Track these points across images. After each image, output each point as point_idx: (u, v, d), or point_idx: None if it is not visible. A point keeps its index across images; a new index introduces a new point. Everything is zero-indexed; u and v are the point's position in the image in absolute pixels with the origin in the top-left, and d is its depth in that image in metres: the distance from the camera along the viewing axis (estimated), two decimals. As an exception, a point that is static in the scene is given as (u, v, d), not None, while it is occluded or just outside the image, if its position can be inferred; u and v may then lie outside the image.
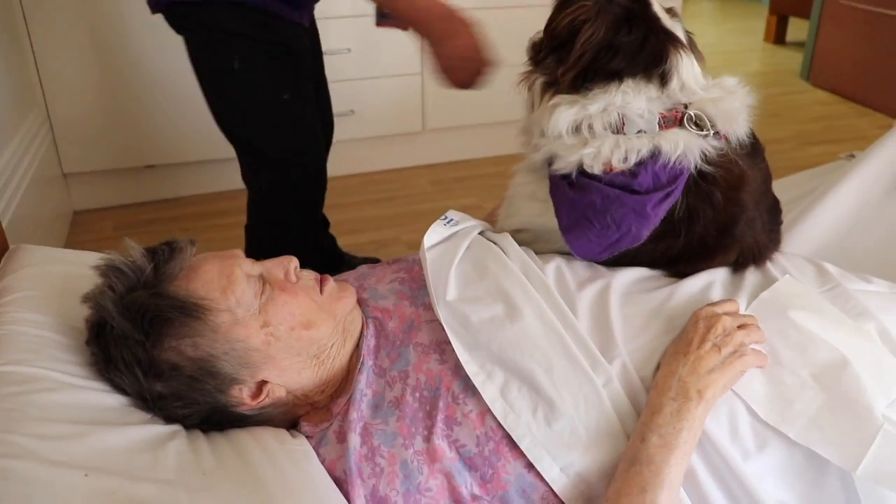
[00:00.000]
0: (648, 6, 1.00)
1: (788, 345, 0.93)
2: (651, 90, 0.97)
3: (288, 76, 1.65)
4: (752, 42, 5.50)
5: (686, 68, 0.98)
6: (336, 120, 3.02)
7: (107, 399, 0.89)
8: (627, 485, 0.83)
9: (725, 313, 0.94)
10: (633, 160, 0.96)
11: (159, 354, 0.88)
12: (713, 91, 1.00)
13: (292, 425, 0.98)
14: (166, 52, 2.61)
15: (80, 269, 1.08)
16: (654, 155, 0.96)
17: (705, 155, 0.97)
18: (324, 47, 2.85)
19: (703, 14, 6.88)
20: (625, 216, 0.98)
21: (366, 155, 3.15)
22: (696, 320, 0.93)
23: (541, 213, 1.10)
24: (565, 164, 1.01)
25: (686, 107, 0.98)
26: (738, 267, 1.07)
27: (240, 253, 0.99)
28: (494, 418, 0.88)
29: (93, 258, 1.14)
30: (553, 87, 1.02)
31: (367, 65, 2.95)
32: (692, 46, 1.03)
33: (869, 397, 0.87)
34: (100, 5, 2.49)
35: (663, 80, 0.97)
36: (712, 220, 1.01)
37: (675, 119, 0.97)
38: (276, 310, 0.94)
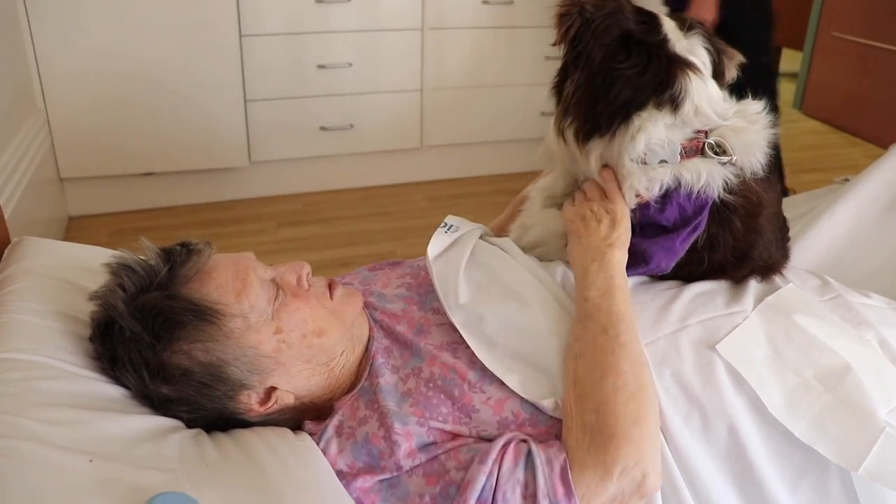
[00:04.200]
0: (657, 26, 0.99)
1: (793, 346, 0.94)
2: (666, 117, 0.96)
3: None
4: (746, 72, 5.56)
5: (698, 91, 0.97)
6: (335, 134, 3.06)
7: (109, 389, 0.87)
8: (589, 335, 0.90)
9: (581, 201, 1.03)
10: (656, 190, 0.97)
11: (169, 358, 0.87)
12: (735, 120, 1.00)
13: (296, 428, 0.97)
14: (168, 60, 2.63)
15: (84, 261, 1.08)
16: (677, 185, 0.97)
17: (726, 183, 0.98)
18: (325, 61, 2.90)
19: (697, 44, 6.96)
20: (655, 253, 1.00)
21: (364, 170, 3.17)
22: (568, 219, 1.04)
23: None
24: None
25: (706, 135, 0.98)
26: (743, 279, 1.08)
27: (253, 256, 0.98)
28: (515, 404, 0.90)
29: (96, 252, 1.14)
30: (583, 131, 1.00)
31: (367, 80, 2.97)
32: (719, 60, 1.02)
33: (871, 401, 0.89)
34: (103, 11, 2.51)
35: (674, 105, 0.96)
36: (732, 248, 1.02)
37: (696, 149, 0.97)
38: (290, 316, 0.93)
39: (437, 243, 1.09)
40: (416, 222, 2.89)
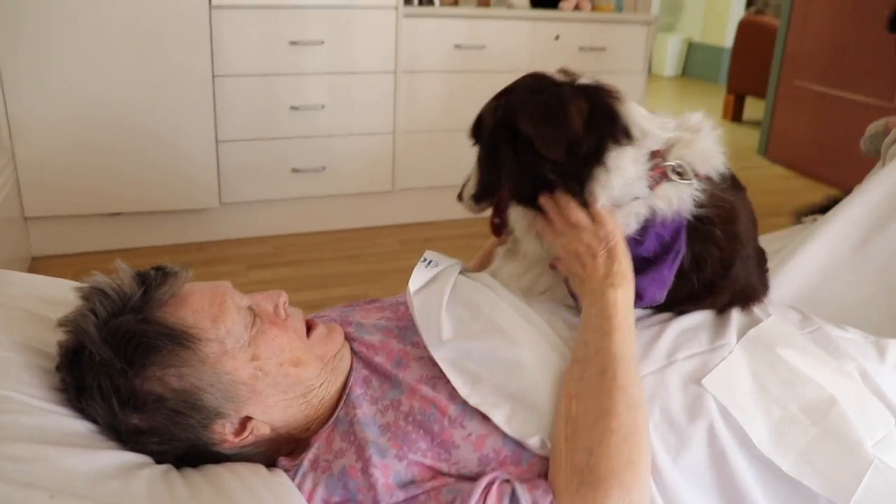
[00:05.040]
0: (550, 77, 1.01)
1: (777, 380, 0.93)
2: (628, 151, 0.96)
3: None
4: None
5: (634, 112, 0.98)
6: (307, 176, 3.05)
7: (74, 424, 0.83)
8: (587, 376, 0.88)
9: (572, 235, 0.98)
10: (634, 225, 0.97)
11: (141, 385, 0.83)
12: (681, 132, 1.01)
13: (269, 464, 0.94)
14: (140, 99, 2.61)
15: (48, 293, 1.05)
16: (653, 216, 0.97)
17: (695, 200, 0.98)
18: (298, 103, 2.91)
19: (663, 92, 7.15)
20: (647, 287, 0.99)
21: (336, 212, 3.15)
22: (562, 259, 0.99)
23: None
24: None
25: (664, 158, 0.99)
26: (725, 308, 1.08)
27: (229, 284, 0.96)
28: (497, 440, 0.88)
29: (61, 284, 1.10)
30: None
31: (340, 122, 2.98)
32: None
33: (858, 433, 0.88)
34: (76, 49, 2.49)
35: (627, 134, 0.96)
36: (718, 260, 1.01)
37: (660, 175, 0.97)
38: (267, 343, 0.91)
39: (418, 278, 1.07)
40: (388, 265, 2.87)
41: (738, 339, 1.00)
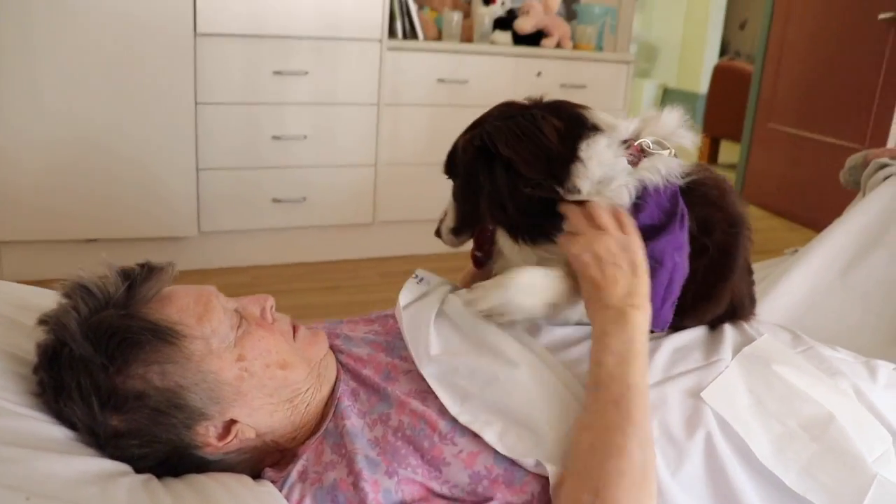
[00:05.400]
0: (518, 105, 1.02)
1: (774, 396, 0.92)
2: (599, 139, 0.95)
3: None
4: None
5: (600, 115, 0.99)
6: (287, 206, 3.02)
7: (51, 430, 0.80)
8: (599, 406, 0.83)
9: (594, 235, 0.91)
10: (626, 198, 0.94)
11: (123, 382, 0.80)
12: (639, 122, 1.01)
13: (255, 475, 0.90)
14: (120, 124, 2.59)
15: (24, 299, 1.03)
16: (644, 188, 0.96)
17: (681, 166, 0.98)
18: (280, 133, 2.90)
19: (638, 137, 7.25)
20: (665, 252, 0.95)
21: (316, 243, 3.12)
22: (581, 260, 0.91)
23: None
24: None
25: (635, 141, 0.98)
26: (718, 322, 1.07)
27: (214, 288, 0.94)
28: (489, 458, 0.85)
29: (37, 292, 1.07)
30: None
31: (322, 153, 2.97)
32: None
33: (859, 448, 0.87)
34: (55, 71, 2.47)
35: (596, 129, 0.96)
36: (722, 220, 1.01)
37: (638, 153, 0.97)
38: (253, 344, 0.88)
39: (408, 292, 1.06)
40: (367, 297, 2.84)
41: (734, 356, 0.99)
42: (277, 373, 0.89)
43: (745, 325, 1.09)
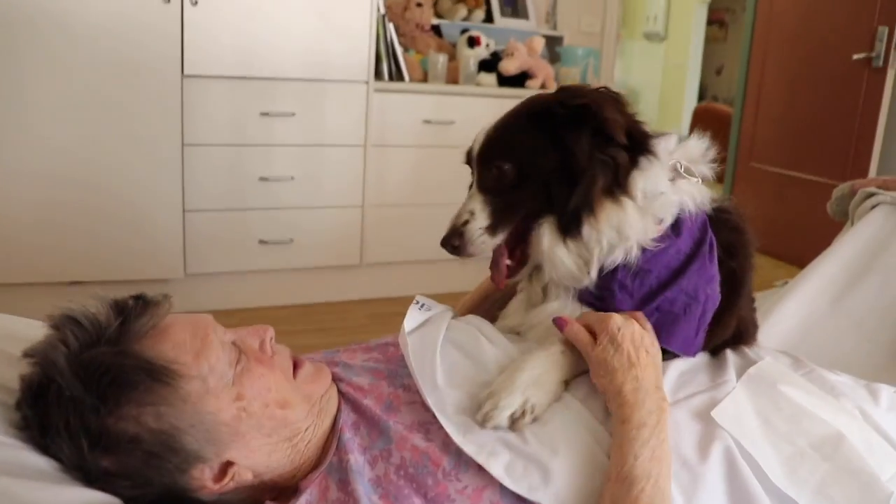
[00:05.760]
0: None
1: (783, 417, 0.91)
2: (654, 163, 0.97)
3: None
4: (670, 204, 5.86)
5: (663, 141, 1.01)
6: (275, 248, 3.00)
7: (37, 460, 0.76)
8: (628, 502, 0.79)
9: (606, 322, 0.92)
10: (668, 218, 0.98)
11: (115, 424, 0.76)
12: (673, 142, 1.04)
13: None
14: (106, 164, 2.58)
15: (8, 328, 0.99)
16: (681, 210, 0.99)
17: (710, 196, 1.02)
18: (267, 174, 2.89)
19: (621, 179, 7.32)
20: (697, 286, 0.97)
21: (303, 285, 3.10)
22: (604, 344, 0.89)
23: None
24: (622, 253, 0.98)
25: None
26: (720, 348, 1.07)
27: (211, 317, 0.89)
28: (495, 493, 0.82)
29: (23, 322, 1.03)
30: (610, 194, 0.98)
31: (309, 194, 2.97)
32: None
33: (871, 467, 0.86)
34: (43, 109, 2.46)
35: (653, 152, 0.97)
36: (745, 246, 1.04)
37: (674, 172, 1.00)
38: (252, 382, 0.84)
39: (412, 319, 1.02)
40: (355, 338, 2.78)
41: (738, 379, 0.98)
42: (277, 412, 0.85)
43: (747, 350, 1.09)
